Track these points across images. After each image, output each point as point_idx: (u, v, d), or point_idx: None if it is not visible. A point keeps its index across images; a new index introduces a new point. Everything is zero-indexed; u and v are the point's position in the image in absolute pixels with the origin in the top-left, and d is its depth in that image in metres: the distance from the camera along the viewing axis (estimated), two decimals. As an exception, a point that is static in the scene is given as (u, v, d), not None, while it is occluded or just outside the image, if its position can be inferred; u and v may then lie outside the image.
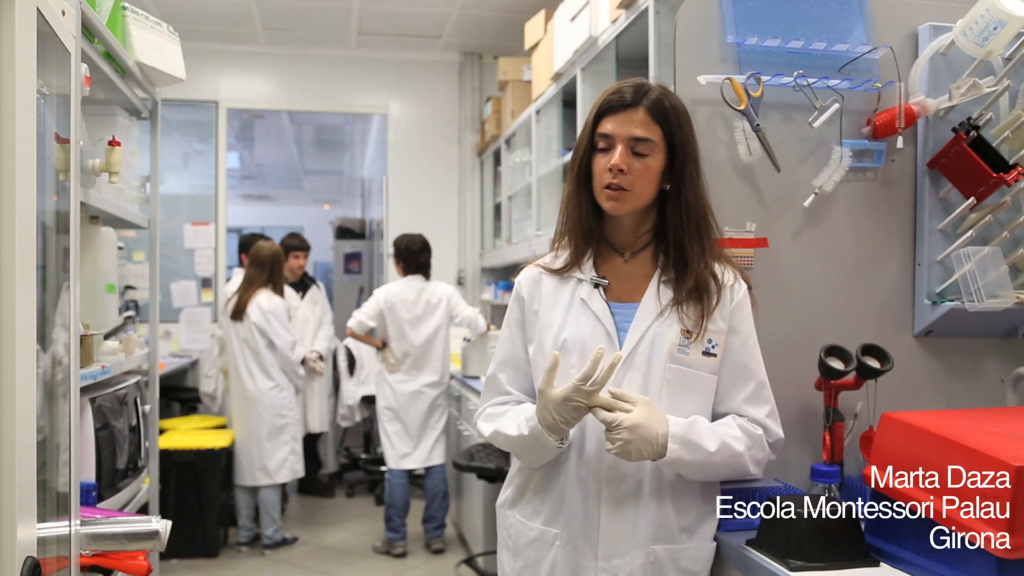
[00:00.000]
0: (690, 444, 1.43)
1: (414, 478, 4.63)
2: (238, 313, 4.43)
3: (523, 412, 1.52)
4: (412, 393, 4.41)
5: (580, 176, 1.55)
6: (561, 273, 1.58)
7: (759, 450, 1.52)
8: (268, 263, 4.48)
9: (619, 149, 1.48)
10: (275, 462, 4.46)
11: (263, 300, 4.42)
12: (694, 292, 1.51)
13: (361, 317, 4.42)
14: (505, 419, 1.56)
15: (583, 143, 1.54)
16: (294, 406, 4.60)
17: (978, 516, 1.24)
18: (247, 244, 5.17)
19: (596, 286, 1.55)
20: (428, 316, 4.44)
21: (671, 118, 1.49)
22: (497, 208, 5.82)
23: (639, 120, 1.48)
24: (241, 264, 5.24)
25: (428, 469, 4.45)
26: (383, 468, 4.53)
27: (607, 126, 1.50)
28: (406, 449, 4.41)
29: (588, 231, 1.56)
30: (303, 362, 5.02)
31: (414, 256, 4.49)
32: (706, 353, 1.51)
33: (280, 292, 4.53)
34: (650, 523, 1.49)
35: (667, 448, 1.41)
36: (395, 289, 4.46)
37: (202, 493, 4.29)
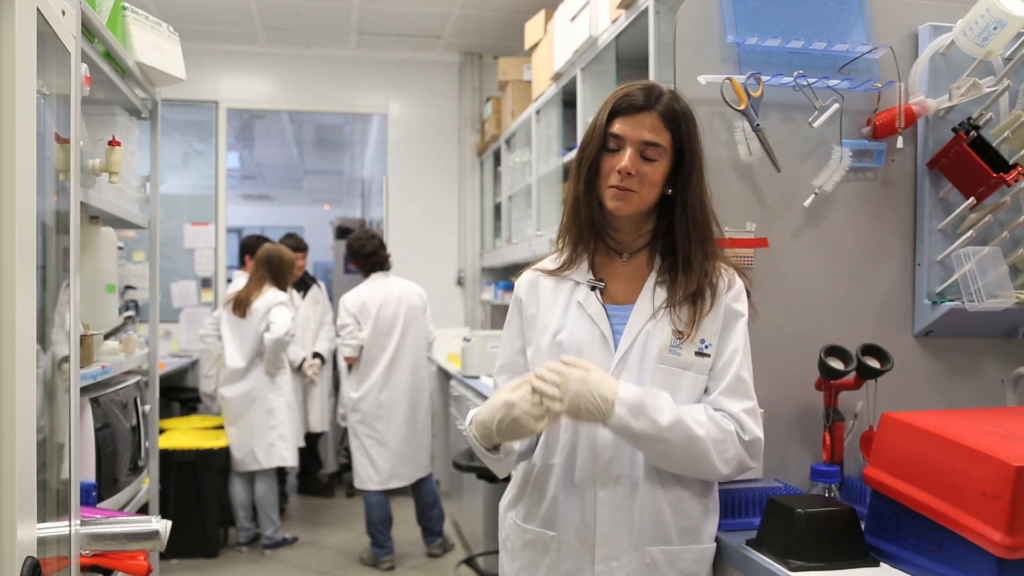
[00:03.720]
0: (639, 412, 1.39)
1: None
2: (239, 306, 4.46)
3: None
4: (393, 403, 4.21)
5: (590, 173, 1.53)
6: (559, 273, 1.59)
7: (729, 446, 1.45)
8: (263, 263, 4.54)
9: (629, 152, 1.48)
10: (263, 447, 4.44)
11: (269, 294, 4.46)
12: (691, 297, 1.50)
13: (348, 339, 4.20)
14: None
15: (594, 142, 1.52)
16: (283, 392, 4.53)
17: (978, 516, 1.24)
18: (249, 246, 5.20)
19: (593, 288, 1.56)
20: (396, 312, 4.22)
21: (681, 124, 1.49)
22: (497, 208, 5.82)
23: (651, 124, 1.48)
24: (242, 265, 5.25)
25: (417, 481, 4.30)
26: (364, 488, 4.24)
27: (618, 127, 1.49)
28: (390, 467, 4.18)
29: (595, 226, 1.55)
30: (300, 367, 5.03)
31: (359, 253, 4.27)
32: (699, 353, 1.50)
33: (282, 290, 4.55)
34: (646, 525, 1.48)
35: (615, 411, 1.39)
36: (357, 291, 4.26)
37: (202, 493, 4.29)
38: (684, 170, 1.50)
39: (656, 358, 1.49)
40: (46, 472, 1.14)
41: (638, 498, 1.49)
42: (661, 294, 1.52)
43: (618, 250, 1.58)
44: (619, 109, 1.50)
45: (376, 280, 4.29)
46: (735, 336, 1.52)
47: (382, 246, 4.35)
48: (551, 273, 1.60)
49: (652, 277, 1.55)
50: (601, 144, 1.52)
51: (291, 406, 4.60)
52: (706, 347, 1.50)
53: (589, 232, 1.56)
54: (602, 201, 1.53)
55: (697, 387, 1.50)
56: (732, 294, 1.53)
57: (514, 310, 1.64)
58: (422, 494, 4.33)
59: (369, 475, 4.20)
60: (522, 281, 1.65)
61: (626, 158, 1.47)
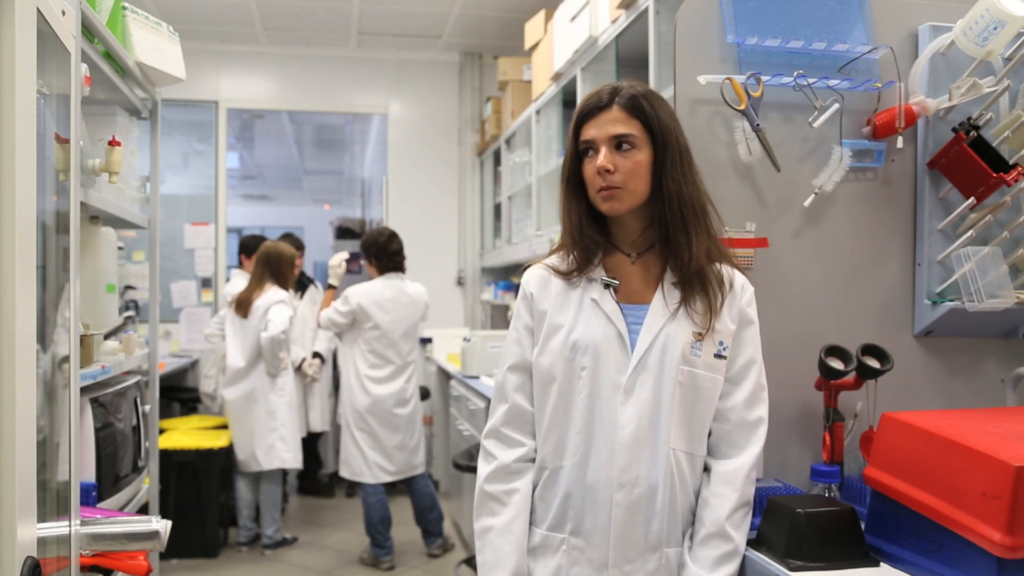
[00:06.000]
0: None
1: (392, 484, 4.37)
2: (241, 306, 4.45)
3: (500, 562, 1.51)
4: (389, 396, 4.21)
5: (572, 186, 1.55)
6: (569, 277, 1.56)
7: (749, 485, 1.50)
8: (262, 261, 4.52)
9: (602, 151, 1.48)
10: (263, 448, 4.43)
11: (269, 293, 4.45)
12: (696, 284, 1.49)
13: (333, 315, 4.17)
14: (490, 537, 1.54)
15: (569, 153, 1.55)
16: (284, 393, 4.51)
17: (978, 516, 1.24)
18: (246, 245, 5.20)
19: (607, 287, 1.53)
20: (406, 316, 4.24)
21: (647, 110, 1.48)
22: (497, 208, 5.82)
23: (615, 118, 1.48)
24: (240, 265, 5.25)
25: (410, 479, 4.29)
26: (360, 481, 4.24)
27: (588, 132, 1.51)
28: (384, 462, 4.19)
29: (589, 239, 1.54)
30: (299, 367, 5.02)
31: (384, 249, 4.23)
32: (718, 355, 1.50)
33: (283, 287, 4.52)
34: (663, 526, 1.47)
35: None
36: (369, 287, 4.22)
37: (202, 493, 4.29)
38: (658, 153, 1.49)
39: (679, 360, 1.47)
40: (46, 472, 1.14)
41: (657, 499, 1.46)
42: (675, 294, 1.51)
43: (624, 251, 1.56)
44: (585, 114, 1.52)
45: (390, 280, 4.25)
46: (752, 342, 1.54)
47: (402, 248, 4.31)
48: (561, 274, 1.57)
49: (666, 277, 1.53)
50: (576, 153, 1.53)
51: (293, 407, 4.57)
52: (724, 349, 1.50)
53: (587, 245, 1.55)
54: (596, 208, 1.53)
55: (716, 389, 1.50)
56: (747, 299, 1.54)
57: (523, 306, 1.59)
58: (418, 496, 4.32)
59: (361, 468, 4.20)
60: (532, 276, 1.60)
61: (601, 156, 1.48)
